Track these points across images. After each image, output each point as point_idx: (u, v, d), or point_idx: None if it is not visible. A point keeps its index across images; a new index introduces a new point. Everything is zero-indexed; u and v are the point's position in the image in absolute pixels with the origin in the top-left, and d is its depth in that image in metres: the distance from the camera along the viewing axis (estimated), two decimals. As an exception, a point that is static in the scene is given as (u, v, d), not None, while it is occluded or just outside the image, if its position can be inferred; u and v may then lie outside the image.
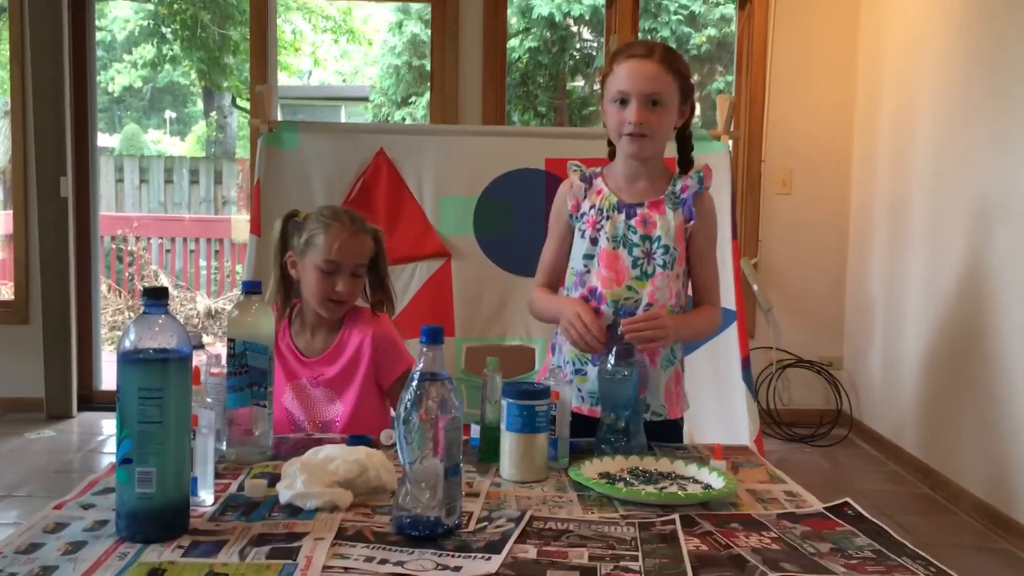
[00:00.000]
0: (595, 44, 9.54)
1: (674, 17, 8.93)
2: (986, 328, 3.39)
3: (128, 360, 1.22)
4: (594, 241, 1.90)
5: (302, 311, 2.06)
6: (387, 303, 2.10)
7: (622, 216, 1.88)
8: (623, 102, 1.82)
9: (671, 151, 1.97)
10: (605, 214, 1.89)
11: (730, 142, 3.15)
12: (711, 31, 8.98)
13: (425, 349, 1.28)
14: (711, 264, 1.95)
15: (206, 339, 7.13)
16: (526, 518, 1.32)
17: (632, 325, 1.75)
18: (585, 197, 1.93)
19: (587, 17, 9.22)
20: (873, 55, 4.52)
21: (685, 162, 1.96)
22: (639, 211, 1.88)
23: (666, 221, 1.87)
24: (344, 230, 1.98)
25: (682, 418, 1.98)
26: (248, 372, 1.60)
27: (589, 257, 1.90)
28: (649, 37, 8.62)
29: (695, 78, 1.94)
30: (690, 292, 1.97)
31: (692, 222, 1.88)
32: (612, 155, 1.97)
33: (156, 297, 1.24)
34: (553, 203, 2.01)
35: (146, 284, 7.54)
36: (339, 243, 1.96)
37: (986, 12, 3.52)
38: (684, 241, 1.89)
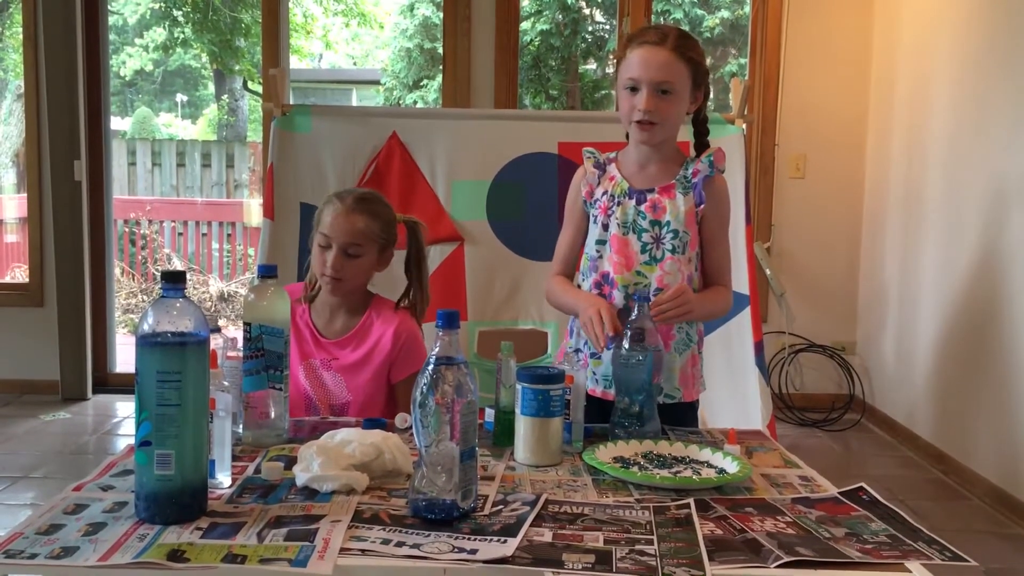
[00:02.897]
0: (607, 27, 9.48)
1: (687, -1, 8.87)
2: (1000, 313, 3.37)
3: (146, 343, 1.22)
4: (606, 227, 1.91)
5: (323, 292, 2.07)
6: (418, 303, 2.10)
7: (632, 202, 1.90)
8: (634, 89, 1.83)
9: (686, 135, 1.96)
10: (616, 200, 1.91)
11: (744, 126, 3.14)
12: (724, 13, 8.92)
13: (441, 333, 1.29)
14: (723, 247, 1.95)
15: (219, 322, 7.16)
16: (541, 502, 1.32)
17: (659, 308, 1.76)
18: (598, 183, 1.95)
19: (600, -1, 9.18)
20: (888, 38, 4.48)
21: (701, 145, 1.97)
22: (649, 196, 1.89)
23: (676, 206, 1.88)
24: (341, 207, 2.00)
25: (697, 400, 1.99)
26: (264, 355, 1.61)
27: (601, 243, 1.92)
28: (662, 20, 8.57)
29: (708, 61, 1.94)
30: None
31: (703, 206, 1.89)
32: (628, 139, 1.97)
33: (174, 281, 1.25)
34: (568, 190, 2.02)
35: (159, 267, 7.57)
36: (331, 218, 1.99)
37: (1004, -6, 3.49)
38: (696, 225, 1.90)
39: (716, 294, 1.94)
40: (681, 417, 1.89)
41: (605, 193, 1.92)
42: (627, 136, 1.96)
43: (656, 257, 1.88)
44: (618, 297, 1.88)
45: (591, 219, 1.96)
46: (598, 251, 1.92)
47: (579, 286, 1.98)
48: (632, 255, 1.89)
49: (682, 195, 1.88)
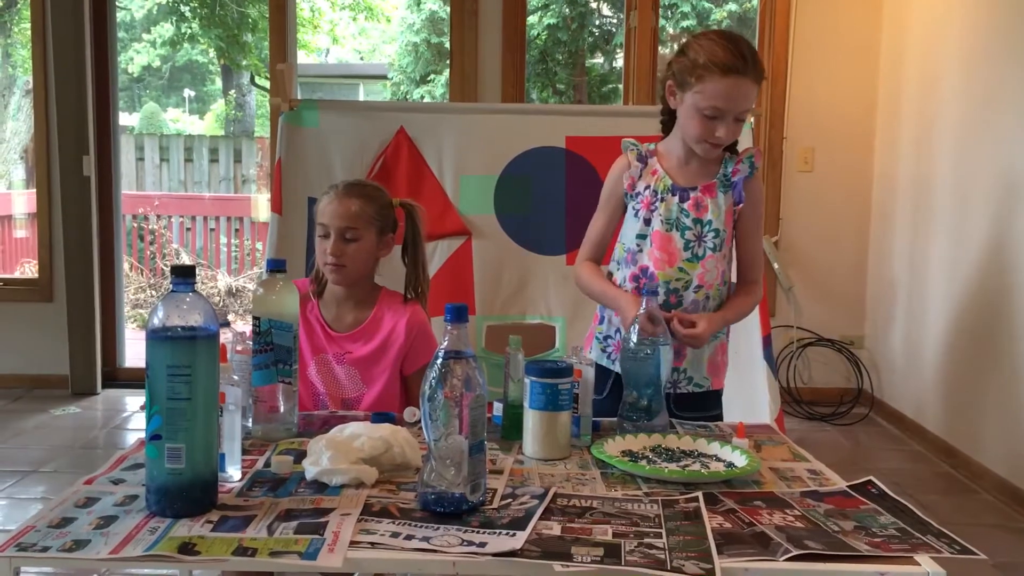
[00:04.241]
0: (615, 20, 9.46)
1: (695, -8, 8.84)
2: (1009, 307, 3.36)
3: (157, 338, 1.23)
4: (647, 222, 1.93)
5: (330, 285, 2.07)
6: (418, 287, 2.09)
7: (675, 199, 1.91)
8: (713, 117, 1.82)
9: None
10: (659, 196, 1.92)
11: (752, 119, 3.13)
12: (732, 6, 8.89)
13: (450, 327, 1.29)
14: (757, 242, 1.99)
15: (228, 317, 7.18)
16: (550, 495, 1.33)
17: (686, 332, 1.81)
18: (640, 177, 1.95)
19: (607, -7, 9.16)
20: (897, 30, 4.46)
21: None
22: (692, 195, 1.91)
23: (717, 205, 1.91)
24: (333, 194, 2.01)
25: (722, 388, 2.01)
26: (273, 350, 1.62)
27: (642, 237, 1.94)
28: (670, 13, 8.54)
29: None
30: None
31: (741, 205, 1.92)
32: (665, 130, 1.98)
33: (184, 275, 1.26)
34: (607, 178, 2.03)
35: (167, 262, 7.59)
36: (326, 205, 2.01)
37: (1014, -14, 3.47)
38: (732, 223, 1.93)
39: (740, 301, 1.97)
40: (710, 405, 1.93)
41: (648, 187, 1.94)
42: (663, 129, 1.98)
43: (698, 255, 1.90)
44: (660, 293, 1.89)
45: (631, 211, 1.97)
46: (638, 245, 1.94)
47: (610, 274, 2.00)
48: (675, 252, 1.91)
49: (723, 194, 1.91)
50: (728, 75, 1.78)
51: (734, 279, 2.02)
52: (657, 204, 1.92)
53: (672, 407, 1.83)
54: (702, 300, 1.91)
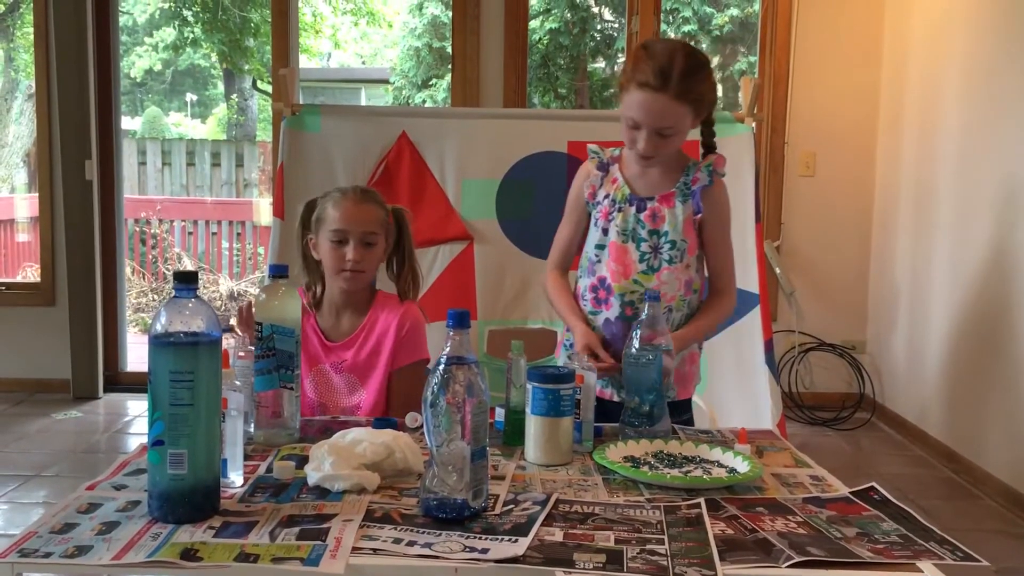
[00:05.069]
0: (616, 25, 9.46)
1: (696, -3, 8.85)
2: (1011, 312, 3.36)
3: (159, 343, 1.23)
4: (605, 232, 1.93)
5: (326, 294, 2.07)
6: (412, 284, 2.10)
7: (633, 209, 1.91)
8: (634, 127, 1.82)
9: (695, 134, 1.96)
10: (617, 206, 1.92)
11: (754, 124, 3.13)
12: (734, 11, 8.89)
13: (452, 333, 1.29)
14: (724, 252, 1.96)
15: (231, 322, 7.17)
16: (552, 501, 1.33)
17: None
18: (601, 185, 1.96)
19: (609, -3, 9.17)
20: (899, 35, 4.46)
21: (708, 145, 1.97)
22: (649, 205, 1.90)
23: (675, 215, 1.89)
24: (350, 200, 2.00)
25: (691, 397, 2.01)
26: (275, 355, 1.62)
27: (600, 247, 1.94)
28: (671, 18, 8.55)
29: (716, 60, 1.94)
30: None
31: (700, 215, 1.90)
32: None
33: (186, 281, 1.26)
34: (572, 185, 2.03)
35: (169, 267, 7.59)
36: (343, 211, 1.98)
37: (1015, -9, 3.47)
38: (695, 231, 1.91)
39: (708, 316, 1.95)
40: (678, 412, 1.91)
41: (607, 196, 1.94)
42: None
43: (654, 267, 1.90)
44: (615, 305, 1.90)
45: (593, 220, 1.97)
46: (597, 255, 1.95)
47: (578, 281, 2.01)
48: (630, 263, 1.90)
49: (681, 203, 1.90)
50: (643, 89, 1.77)
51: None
52: (614, 214, 1.91)
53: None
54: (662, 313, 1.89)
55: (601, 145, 2.03)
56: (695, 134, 1.97)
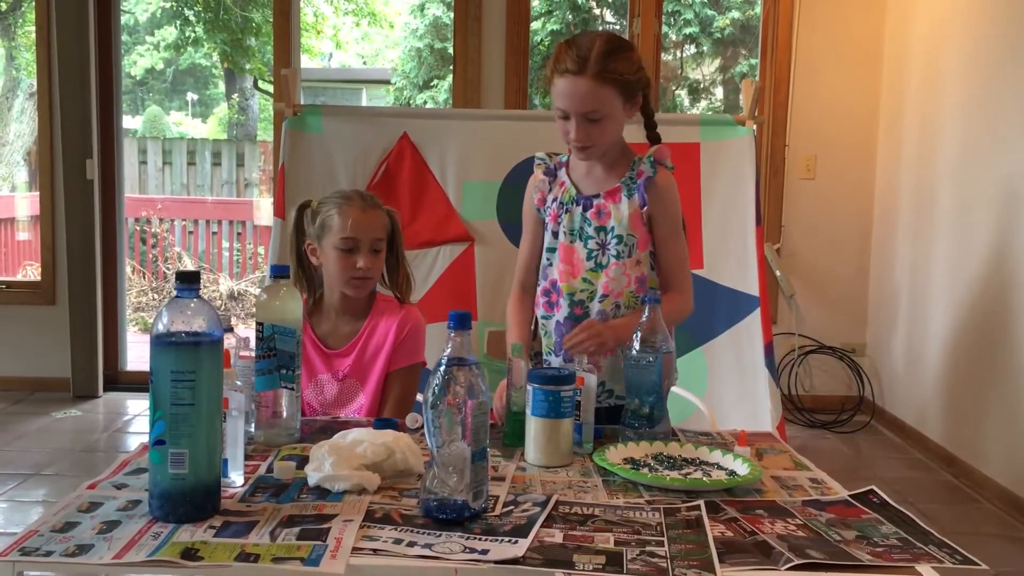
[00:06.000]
0: (618, 27, 9.47)
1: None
2: (1011, 315, 3.36)
3: (161, 343, 1.23)
4: (555, 234, 1.92)
5: (324, 300, 2.06)
6: (405, 285, 2.09)
7: (579, 208, 1.90)
8: (564, 117, 1.81)
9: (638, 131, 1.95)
10: (564, 208, 1.91)
11: (754, 127, 3.13)
12: (735, 14, 8.89)
13: (452, 334, 1.29)
14: (674, 249, 1.91)
15: (231, 321, 7.18)
16: (552, 502, 1.33)
17: (571, 341, 1.77)
18: (549, 190, 1.95)
19: (610, -1, 9.18)
20: (899, 38, 4.47)
21: (653, 139, 1.96)
22: (595, 202, 1.89)
23: (620, 210, 1.87)
24: (356, 207, 1.98)
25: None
26: (276, 355, 1.62)
27: (551, 251, 1.94)
28: (672, 20, 8.55)
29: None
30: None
31: (646, 207, 1.87)
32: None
33: (188, 281, 1.26)
34: (525, 197, 2.01)
35: (170, 266, 7.60)
36: (353, 219, 1.96)
37: (1017, -5, 3.47)
38: (644, 226, 1.88)
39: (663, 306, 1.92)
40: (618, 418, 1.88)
41: (555, 200, 1.93)
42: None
43: (602, 264, 1.88)
44: (564, 306, 1.89)
45: (545, 226, 1.96)
46: (548, 259, 1.94)
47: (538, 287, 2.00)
48: (578, 263, 1.89)
49: (627, 198, 1.87)
50: (563, 75, 1.77)
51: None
52: (562, 216, 1.91)
53: (601, 420, 1.76)
54: (610, 310, 1.87)
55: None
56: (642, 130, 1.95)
